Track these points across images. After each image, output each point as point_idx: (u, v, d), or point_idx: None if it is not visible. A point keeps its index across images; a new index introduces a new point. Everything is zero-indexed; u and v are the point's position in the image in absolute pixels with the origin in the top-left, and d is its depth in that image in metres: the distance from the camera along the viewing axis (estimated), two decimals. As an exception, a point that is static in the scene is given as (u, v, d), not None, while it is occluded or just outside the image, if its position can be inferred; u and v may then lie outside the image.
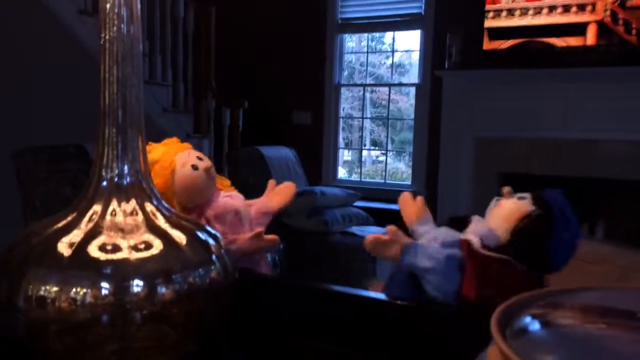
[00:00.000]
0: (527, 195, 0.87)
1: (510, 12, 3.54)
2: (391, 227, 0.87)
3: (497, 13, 3.57)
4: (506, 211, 0.87)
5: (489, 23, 3.60)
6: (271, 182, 1.11)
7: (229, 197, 1.03)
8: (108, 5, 0.54)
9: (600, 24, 3.31)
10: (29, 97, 3.06)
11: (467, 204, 3.72)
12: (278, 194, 1.10)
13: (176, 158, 0.94)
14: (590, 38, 3.35)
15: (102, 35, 0.55)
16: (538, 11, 3.48)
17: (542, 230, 0.83)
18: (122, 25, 0.54)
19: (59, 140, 2.12)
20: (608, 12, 3.29)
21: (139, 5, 0.56)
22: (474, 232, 0.87)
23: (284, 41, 4.66)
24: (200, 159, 0.96)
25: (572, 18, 3.38)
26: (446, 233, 0.91)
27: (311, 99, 4.64)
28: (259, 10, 4.72)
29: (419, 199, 0.99)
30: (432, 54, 4.16)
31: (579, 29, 3.37)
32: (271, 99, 4.67)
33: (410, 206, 0.98)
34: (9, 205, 2.21)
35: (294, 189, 1.10)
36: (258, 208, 1.07)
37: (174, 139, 1.03)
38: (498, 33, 3.59)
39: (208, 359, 0.68)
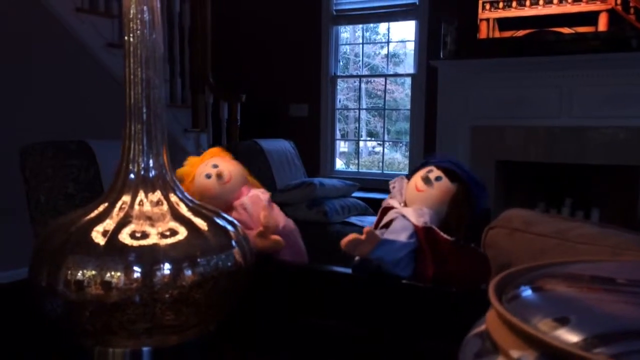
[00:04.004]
0: (440, 174, 1.00)
1: (521, 2, 3.56)
2: (367, 229, 0.96)
3: (508, 3, 3.60)
4: (437, 194, 1.02)
5: (499, 14, 3.63)
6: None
7: (247, 196, 1.09)
8: (132, 11, 0.59)
9: (612, 12, 3.34)
10: (29, 96, 3.09)
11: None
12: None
13: (197, 169, 1.02)
14: (602, 27, 3.38)
15: (126, 39, 0.60)
16: (549, 1, 3.50)
17: (469, 200, 1.00)
18: (145, 31, 0.59)
19: (59, 137, 2.16)
20: (619, 0, 3.31)
21: (159, 12, 0.60)
22: (419, 219, 0.98)
23: (280, 34, 4.68)
24: (215, 166, 1.03)
25: (583, 7, 3.41)
26: (402, 225, 1.01)
27: (308, 91, 4.67)
28: (254, 3, 4.74)
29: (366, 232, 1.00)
30: (427, 44, 4.19)
31: (590, 18, 3.40)
32: (268, 92, 4.70)
33: (361, 245, 0.98)
34: (13, 199, 2.25)
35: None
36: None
37: (213, 150, 1.14)
38: (509, 23, 3.63)
39: (224, 337, 0.73)
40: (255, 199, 1.07)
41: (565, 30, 3.48)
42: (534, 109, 3.61)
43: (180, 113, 4.02)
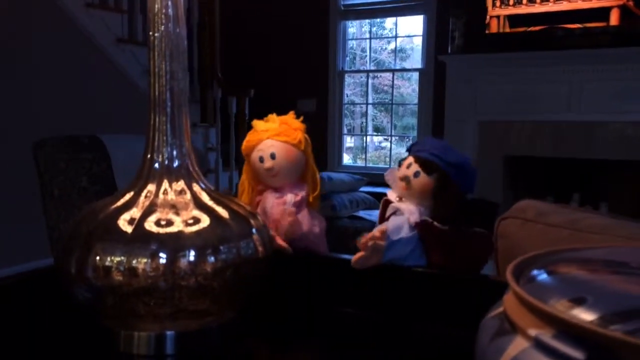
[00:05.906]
0: (417, 168, 1.02)
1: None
2: (363, 240, 0.92)
3: (518, 0, 3.59)
4: (417, 190, 1.01)
5: (510, 11, 3.63)
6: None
7: (279, 195, 1.09)
8: (157, 6, 0.61)
9: (623, 8, 3.32)
10: (39, 91, 3.12)
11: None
12: None
13: (259, 145, 1.04)
14: (613, 23, 3.36)
15: (151, 33, 0.62)
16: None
17: (449, 189, 1.00)
18: (170, 25, 0.61)
19: (69, 132, 2.19)
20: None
21: (182, 7, 0.62)
22: (411, 217, 1.00)
23: (288, 28, 4.69)
24: (273, 156, 1.05)
25: (594, 3, 3.39)
26: (399, 222, 1.02)
27: (315, 86, 4.68)
28: (262, -2, 4.76)
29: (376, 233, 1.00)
30: (435, 39, 4.19)
31: (601, 15, 3.38)
32: (276, 87, 4.72)
33: (370, 259, 0.96)
34: (27, 193, 2.28)
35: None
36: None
37: (287, 125, 1.13)
38: (520, 20, 3.62)
39: (243, 324, 0.75)
40: (279, 202, 1.07)
41: (577, 27, 3.47)
42: (542, 104, 3.61)
43: (189, 108, 4.04)
